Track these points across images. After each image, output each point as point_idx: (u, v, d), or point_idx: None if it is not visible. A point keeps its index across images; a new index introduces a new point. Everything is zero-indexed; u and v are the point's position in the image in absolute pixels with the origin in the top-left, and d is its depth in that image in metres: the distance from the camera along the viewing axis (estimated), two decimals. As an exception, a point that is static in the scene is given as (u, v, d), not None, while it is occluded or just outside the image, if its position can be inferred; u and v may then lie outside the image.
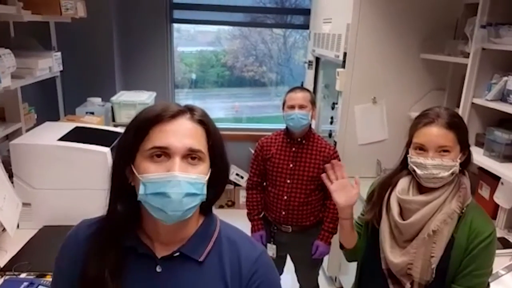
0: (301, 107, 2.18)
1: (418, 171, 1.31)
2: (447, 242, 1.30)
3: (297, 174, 2.23)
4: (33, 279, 1.56)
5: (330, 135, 3.15)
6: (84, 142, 1.99)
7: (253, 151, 2.42)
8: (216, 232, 0.95)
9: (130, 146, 0.86)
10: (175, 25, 4.24)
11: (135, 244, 0.90)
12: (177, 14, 4.13)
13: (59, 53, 2.64)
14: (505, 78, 1.97)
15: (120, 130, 2.41)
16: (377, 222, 1.45)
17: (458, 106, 2.26)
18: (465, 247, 1.29)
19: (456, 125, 1.31)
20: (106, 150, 1.97)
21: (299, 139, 2.25)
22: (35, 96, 2.81)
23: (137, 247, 0.90)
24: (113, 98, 3.26)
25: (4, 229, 1.79)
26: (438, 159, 1.28)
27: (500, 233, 2.04)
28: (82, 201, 1.91)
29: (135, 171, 0.85)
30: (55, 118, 2.86)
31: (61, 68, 2.70)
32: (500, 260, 1.71)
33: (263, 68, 4.75)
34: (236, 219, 2.10)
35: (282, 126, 2.33)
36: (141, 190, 0.83)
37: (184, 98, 4.69)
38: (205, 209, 0.95)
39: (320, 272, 2.54)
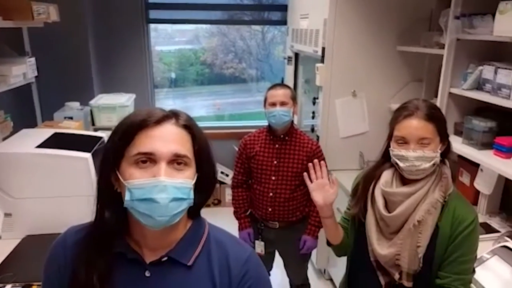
0: (283, 104, 2.19)
1: (401, 164, 1.33)
2: (432, 231, 1.33)
3: (282, 170, 2.24)
4: (19, 290, 1.53)
5: (312, 130, 3.17)
6: (64, 148, 1.96)
7: (237, 149, 2.42)
8: (205, 236, 0.95)
9: (115, 152, 0.86)
10: (152, 25, 4.19)
11: (124, 250, 0.90)
12: (153, 14, 4.08)
13: (33, 59, 2.58)
14: (480, 68, 2.01)
15: (101, 134, 2.38)
16: (363, 215, 1.46)
17: (436, 96, 2.30)
18: (449, 234, 1.32)
19: (435, 116, 1.34)
20: (87, 155, 1.94)
21: (282, 136, 2.25)
22: (11, 103, 2.74)
23: (126, 253, 0.89)
24: (92, 102, 3.21)
25: (-15, 241, 1.75)
26: (419, 150, 1.31)
27: (481, 218, 2.09)
28: (65, 208, 1.89)
29: (120, 177, 0.85)
30: (32, 124, 2.79)
31: (36, 74, 2.64)
32: (484, 244, 1.75)
33: (243, 65, 4.74)
34: (223, 217, 2.11)
35: (265, 123, 2.33)
36: (127, 196, 0.83)
37: (164, 97, 4.65)
38: (193, 213, 0.95)
39: (309, 265, 2.56)
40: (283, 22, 4.06)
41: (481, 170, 2.16)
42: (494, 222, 2.07)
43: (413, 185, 1.35)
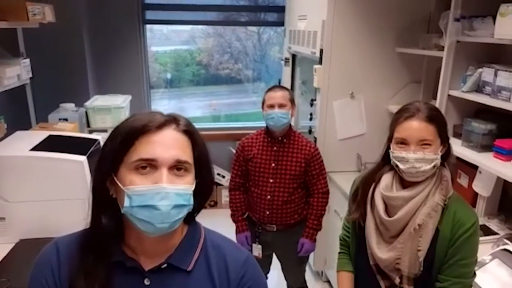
0: (281, 106, 2.17)
1: (401, 166, 1.32)
2: (433, 235, 1.32)
3: (280, 173, 2.22)
4: (13, 296, 1.51)
5: (310, 131, 3.16)
6: (58, 151, 1.93)
7: (233, 150, 2.40)
8: (202, 239, 0.95)
9: (113, 157, 0.84)
10: (148, 25, 4.16)
11: (121, 259, 0.88)
12: (149, 15, 4.05)
13: (27, 60, 2.55)
14: (479, 70, 2.00)
15: (96, 136, 2.35)
16: (363, 220, 1.45)
17: (434, 98, 2.29)
18: (449, 238, 1.31)
19: (436, 118, 1.33)
20: (83, 158, 1.91)
21: (280, 138, 2.24)
22: (4, 105, 2.70)
23: (124, 261, 0.87)
24: (87, 103, 3.18)
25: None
26: (420, 152, 1.30)
27: (480, 220, 2.05)
28: (59, 212, 1.86)
29: (118, 183, 0.83)
30: (27, 126, 2.75)
31: (31, 75, 2.61)
32: (482, 247, 1.73)
33: (239, 65, 4.72)
34: (219, 219, 2.09)
35: (261, 123, 2.31)
36: (126, 203, 0.81)
37: (159, 98, 4.62)
38: (189, 218, 0.93)
39: (307, 268, 2.55)
40: (280, 23, 4.05)
41: (480, 172, 2.15)
42: (493, 224, 2.07)
43: (414, 189, 1.34)
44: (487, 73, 1.96)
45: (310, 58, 3.03)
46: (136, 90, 3.95)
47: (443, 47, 2.16)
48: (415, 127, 1.31)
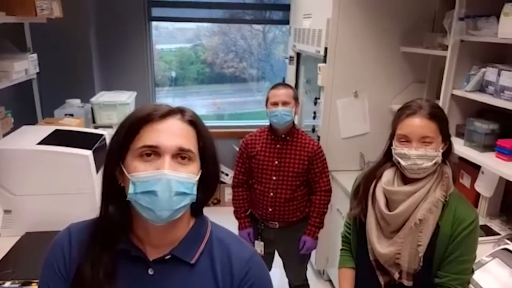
0: (284, 103, 2.18)
1: (403, 162, 1.33)
2: (433, 231, 1.33)
3: (283, 170, 2.23)
4: (18, 287, 1.52)
5: (313, 130, 3.17)
6: (64, 146, 1.95)
7: (237, 148, 2.42)
8: (208, 234, 0.95)
9: (120, 145, 0.86)
10: (153, 23, 4.18)
11: (127, 247, 0.89)
12: (155, 12, 4.07)
13: (35, 55, 2.58)
14: (483, 70, 2.00)
15: (102, 131, 2.37)
16: (363, 215, 1.46)
17: (438, 98, 2.29)
18: (449, 234, 1.32)
19: (437, 115, 1.35)
20: (88, 153, 1.93)
21: (283, 136, 2.25)
22: (12, 99, 2.73)
23: (129, 250, 0.89)
24: (93, 99, 3.20)
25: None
26: (421, 149, 1.31)
27: (482, 220, 2.08)
28: (65, 205, 1.88)
29: (125, 171, 0.84)
30: (33, 121, 2.78)
31: (38, 70, 2.63)
32: (484, 247, 1.75)
33: (244, 64, 4.73)
34: (222, 216, 2.09)
35: (265, 122, 2.32)
36: (130, 189, 0.83)
37: (164, 96, 4.63)
38: (196, 210, 0.95)
39: (308, 266, 2.56)
40: (285, 21, 4.06)
41: (482, 172, 2.15)
42: (494, 225, 2.07)
43: (415, 184, 1.36)
44: (490, 73, 1.96)
45: (315, 57, 3.04)
46: (141, 87, 3.97)
47: (447, 46, 2.16)
48: (417, 124, 1.32)
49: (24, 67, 2.38)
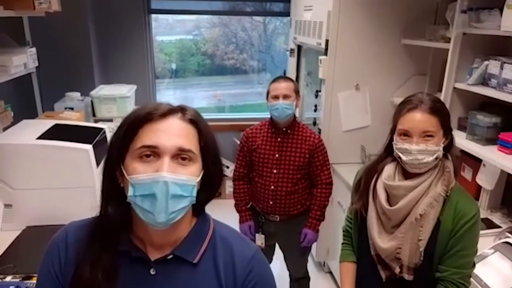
0: (285, 97, 2.17)
1: (403, 157, 1.33)
2: (434, 225, 1.33)
3: (283, 163, 2.23)
4: (19, 282, 1.53)
5: (314, 123, 3.16)
6: (64, 140, 1.95)
7: (237, 141, 2.41)
8: (210, 232, 0.94)
9: (119, 145, 0.84)
10: (153, 15, 4.15)
11: (128, 248, 0.88)
12: (154, 4, 4.04)
13: (33, 49, 2.56)
14: (486, 62, 1.98)
15: (102, 125, 2.37)
16: (365, 210, 1.46)
17: (440, 91, 2.28)
18: (450, 228, 1.32)
19: (439, 110, 1.34)
20: (88, 147, 1.93)
21: (284, 129, 2.24)
22: (11, 93, 2.72)
23: (130, 251, 0.88)
24: (93, 93, 3.20)
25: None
26: (422, 144, 1.30)
27: (483, 214, 2.08)
28: (65, 200, 1.89)
29: (124, 171, 0.83)
30: (33, 115, 2.78)
31: (37, 64, 2.62)
32: (485, 240, 1.75)
33: (244, 56, 4.70)
34: (223, 209, 2.10)
35: (265, 114, 2.31)
36: (130, 192, 0.81)
37: (165, 88, 4.62)
38: (197, 210, 0.93)
39: (309, 258, 2.57)
40: (285, 13, 4.03)
41: (484, 165, 2.15)
42: (496, 218, 2.07)
43: (416, 179, 1.35)
44: (493, 66, 1.95)
45: (316, 49, 3.02)
46: (141, 80, 3.96)
47: (450, 39, 2.14)
48: (418, 119, 1.31)
49: (23, 61, 2.37)
